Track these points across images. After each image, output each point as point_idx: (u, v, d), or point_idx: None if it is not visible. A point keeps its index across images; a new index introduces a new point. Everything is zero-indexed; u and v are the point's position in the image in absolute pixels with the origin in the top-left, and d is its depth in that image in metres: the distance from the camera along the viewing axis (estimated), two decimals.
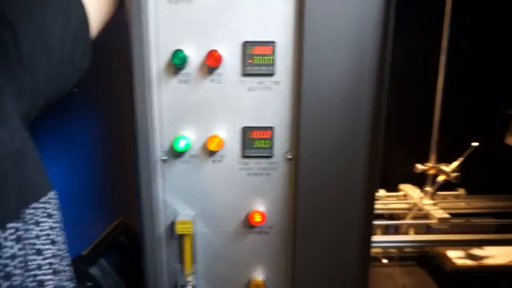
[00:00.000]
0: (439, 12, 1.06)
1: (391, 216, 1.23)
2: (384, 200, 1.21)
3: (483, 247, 1.15)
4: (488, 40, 1.30)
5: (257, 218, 0.71)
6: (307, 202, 0.70)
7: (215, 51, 0.64)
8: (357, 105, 0.66)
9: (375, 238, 0.98)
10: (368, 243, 0.74)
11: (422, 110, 1.17)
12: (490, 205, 1.20)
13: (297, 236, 0.72)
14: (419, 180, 1.21)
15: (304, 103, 0.66)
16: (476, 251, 1.13)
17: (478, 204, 1.20)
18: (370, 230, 0.75)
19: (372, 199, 0.73)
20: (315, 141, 0.68)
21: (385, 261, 1.27)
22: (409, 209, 1.17)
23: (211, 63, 0.64)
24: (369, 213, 0.73)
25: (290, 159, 0.70)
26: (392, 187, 1.28)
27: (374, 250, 1.18)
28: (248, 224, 0.72)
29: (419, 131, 1.19)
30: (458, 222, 1.05)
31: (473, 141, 1.06)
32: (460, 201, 1.20)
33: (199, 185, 0.71)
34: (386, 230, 1.21)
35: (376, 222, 1.08)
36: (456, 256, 1.11)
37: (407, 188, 1.24)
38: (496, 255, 1.11)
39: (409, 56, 1.35)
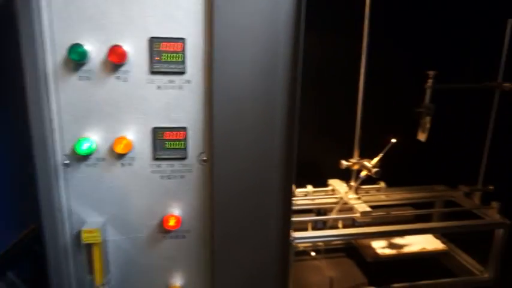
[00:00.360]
0: (360, 12, 1.10)
1: (319, 211, 1.26)
2: (312, 196, 1.23)
3: (403, 236, 1.23)
4: (405, 40, 1.38)
5: (172, 223, 0.68)
6: (224, 204, 0.69)
7: (119, 46, 0.59)
8: (270, 104, 0.66)
9: (301, 234, 1.00)
10: (287, 240, 0.75)
11: (349, 107, 1.22)
12: (407, 196, 1.28)
13: (215, 239, 0.71)
14: (349, 175, 1.27)
15: (216, 102, 0.64)
16: (397, 240, 1.20)
17: (396, 196, 1.27)
18: (289, 228, 0.75)
19: (289, 197, 0.73)
20: (230, 141, 0.66)
21: (313, 254, 1.30)
22: (337, 203, 1.21)
23: (115, 60, 0.59)
24: (287, 211, 0.73)
25: (205, 160, 0.68)
26: (325, 182, 1.32)
27: (302, 244, 1.20)
28: (163, 229, 0.69)
29: (347, 127, 1.23)
30: (379, 214, 1.10)
31: (392, 138, 1.12)
32: (380, 194, 1.27)
33: (108, 190, 0.66)
34: (315, 224, 1.24)
35: (302, 218, 1.10)
36: (379, 246, 1.17)
37: (335, 183, 1.28)
38: (415, 242, 1.19)
39: (334, 54, 1.39)
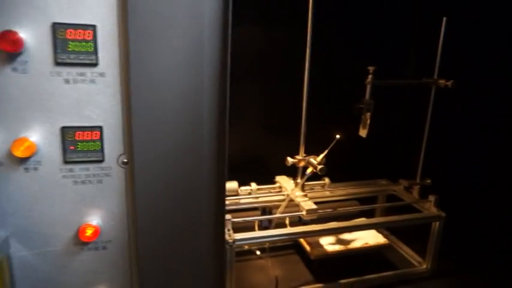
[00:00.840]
0: (305, 5, 1.08)
1: (264, 209, 1.23)
2: (256, 194, 1.20)
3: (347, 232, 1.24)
4: (349, 36, 1.38)
5: (89, 233, 0.61)
6: (149, 210, 0.62)
7: (12, 32, 0.51)
8: (197, 100, 0.60)
9: (242, 235, 0.96)
10: (221, 246, 0.70)
11: (294, 102, 1.19)
12: (351, 192, 1.29)
13: (139, 249, 0.64)
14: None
15: (135, 98, 0.57)
16: (342, 235, 1.21)
17: (341, 192, 1.28)
18: (223, 233, 0.71)
19: (222, 199, 0.68)
20: (153, 141, 0.60)
21: (258, 253, 1.28)
22: (283, 201, 1.19)
23: (7, 48, 0.50)
24: (220, 215, 0.68)
25: (125, 163, 0.61)
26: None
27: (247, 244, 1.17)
28: (79, 241, 0.61)
29: (294, 123, 1.21)
30: (324, 212, 1.09)
31: (337, 134, 1.11)
32: (325, 190, 1.26)
33: (10, 199, 0.58)
34: (261, 223, 1.21)
35: (246, 218, 1.06)
36: (325, 242, 1.16)
37: (282, 180, 1.26)
38: (359, 236, 1.20)
39: (277, 48, 1.36)
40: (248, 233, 0.96)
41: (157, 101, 0.58)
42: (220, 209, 0.68)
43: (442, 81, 1.09)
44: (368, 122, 1.04)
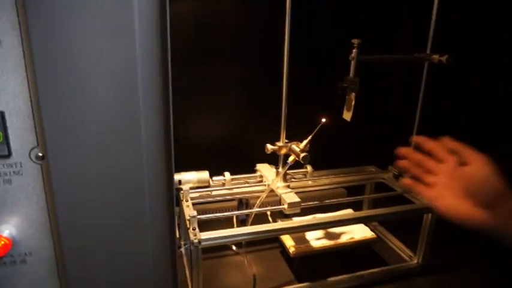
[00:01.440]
0: None
1: (240, 201, 1.12)
2: (230, 184, 1.08)
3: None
4: (328, 15, 1.25)
5: None
6: (74, 212, 0.51)
7: None
8: (129, 77, 0.47)
9: (208, 235, 0.84)
10: (172, 250, 0.59)
11: (273, 84, 1.07)
12: (337, 181, 1.18)
13: (66, 260, 0.52)
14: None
15: (43, 74, 0.44)
16: (332, 229, 1.10)
17: (325, 181, 1.17)
18: (173, 237, 0.59)
19: (170, 197, 0.56)
20: (75, 129, 0.47)
21: (234, 248, 1.17)
22: (262, 192, 1.08)
23: None
24: (169, 216, 0.57)
25: (40, 157, 0.48)
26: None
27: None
28: None
29: (274, 106, 1.10)
30: (307, 205, 0.98)
31: (323, 117, 0.99)
32: (309, 179, 1.15)
33: None
34: (238, 216, 1.10)
35: (216, 214, 0.95)
36: (313, 237, 1.06)
37: (263, 168, 1.14)
38: (345, 229, 1.10)
39: (260, 24, 1.23)
40: (216, 232, 0.85)
41: (75, 75, 0.45)
42: (168, 210, 0.56)
43: (435, 56, 0.97)
44: (353, 103, 0.91)
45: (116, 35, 0.45)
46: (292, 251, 1.00)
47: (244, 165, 1.17)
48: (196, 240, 0.82)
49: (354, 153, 1.43)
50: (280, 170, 1.05)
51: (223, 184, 1.09)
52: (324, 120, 0.96)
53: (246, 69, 1.33)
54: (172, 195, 0.56)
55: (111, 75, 0.47)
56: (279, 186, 1.03)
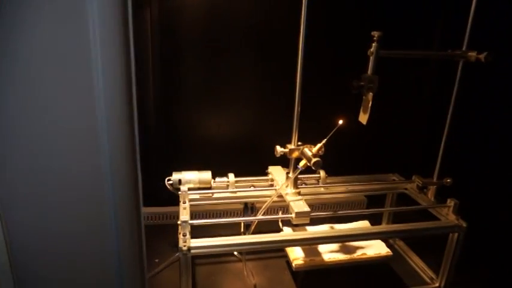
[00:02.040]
0: None
1: (246, 205, 1.04)
2: (234, 187, 1.00)
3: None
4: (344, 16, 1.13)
5: None
6: (23, 220, 0.45)
7: None
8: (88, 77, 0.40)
9: (199, 242, 0.77)
10: (139, 268, 0.52)
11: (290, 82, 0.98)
12: (352, 189, 1.07)
13: (17, 272, 0.47)
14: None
15: None
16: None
17: (338, 189, 1.06)
18: (141, 255, 0.52)
19: (137, 209, 0.49)
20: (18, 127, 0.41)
21: (236, 253, 1.09)
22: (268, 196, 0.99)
23: None
24: (137, 229, 0.50)
25: None
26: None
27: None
28: None
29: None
30: (317, 215, 0.88)
31: (340, 119, 0.89)
32: (320, 186, 1.05)
33: None
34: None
35: (207, 221, 0.88)
36: (327, 249, 0.96)
37: (275, 171, 1.05)
38: (366, 244, 0.99)
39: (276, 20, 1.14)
40: (209, 240, 0.78)
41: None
42: (135, 218, 0.49)
43: (472, 54, 0.84)
44: (369, 104, 0.81)
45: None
46: (296, 265, 0.91)
47: (257, 167, 1.10)
48: (185, 248, 0.75)
49: (374, 160, 1.32)
50: (290, 174, 0.95)
51: (227, 186, 1.01)
52: (340, 122, 0.85)
53: (258, 65, 1.25)
54: (139, 205, 0.49)
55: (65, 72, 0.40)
56: (288, 193, 0.94)
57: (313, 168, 0.86)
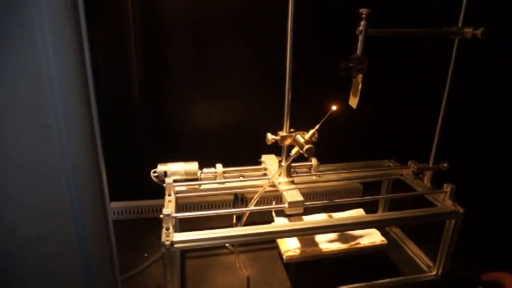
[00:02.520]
0: None
1: (236, 196, 1.00)
2: (221, 178, 0.96)
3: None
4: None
5: None
6: None
7: None
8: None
9: (183, 236, 0.74)
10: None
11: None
12: (345, 176, 1.03)
13: None
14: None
15: None
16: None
17: (331, 176, 1.02)
18: (112, 248, 0.48)
19: (103, 206, 0.45)
20: None
21: (227, 245, 1.06)
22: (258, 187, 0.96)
23: None
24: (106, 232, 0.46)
25: None
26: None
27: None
28: None
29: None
30: (312, 204, 0.85)
31: (334, 104, 0.84)
32: (311, 174, 1.01)
33: None
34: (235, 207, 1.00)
35: (192, 213, 0.84)
36: (325, 238, 0.93)
37: (268, 160, 1.01)
38: (362, 233, 0.96)
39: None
40: (192, 234, 0.74)
41: None
42: (102, 215, 0.46)
43: (468, 30, 0.79)
44: (359, 87, 0.76)
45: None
46: (286, 257, 0.88)
47: (250, 157, 1.06)
48: (168, 242, 0.71)
49: (369, 146, 1.28)
50: (283, 163, 0.91)
51: (215, 177, 0.97)
52: (334, 108, 0.81)
53: (247, 51, 1.20)
54: (106, 200, 0.46)
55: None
56: (281, 182, 0.90)
57: (306, 155, 0.82)
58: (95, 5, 1.04)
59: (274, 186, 0.91)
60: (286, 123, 0.89)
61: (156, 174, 0.94)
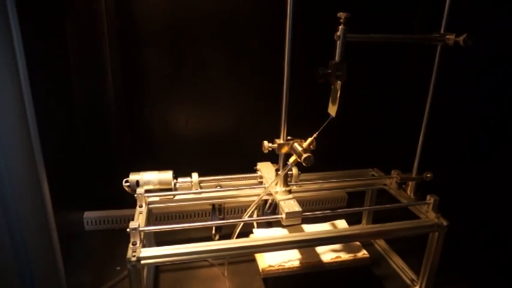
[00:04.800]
0: None
1: (213, 206, 0.96)
2: (197, 187, 0.91)
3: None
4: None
5: None
6: None
7: None
8: None
9: (149, 251, 0.69)
10: None
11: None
12: (325, 187, 0.99)
13: None
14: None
15: None
16: None
17: (312, 186, 0.99)
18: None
19: (46, 218, 0.41)
20: None
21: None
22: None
23: None
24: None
25: None
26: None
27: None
28: None
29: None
30: (307, 215, 0.80)
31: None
32: (292, 184, 0.97)
33: None
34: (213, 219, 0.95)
35: (163, 227, 0.79)
36: (298, 254, 0.89)
37: (264, 168, 0.96)
38: (340, 247, 0.92)
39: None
40: (162, 249, 0.70)
41: None
42: (44, 227, 0.41)
43: (450, 37, 0.76)
44: (338, 94, 0.73)
45: None
46: (263, 271, 0.84)
47: (233, 165, 1.02)
48: (134, 259, 0.67)
49: (353, 154, 1.25)
50: (280, 172, 0.86)
51: (191, 187, 0.93)
52: (333, 115, 0.77)
53: (230, 54, 1.16)
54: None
55: None
56: (278, 191, 0.85)
57: (304, 164, 0.77)
58: (66, 8, 1.00)
59: (270, 194, 0.87)
60: (284, 130, 0.84)
61: (128, 183, 0.89)
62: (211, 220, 0.98)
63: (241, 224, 0.87)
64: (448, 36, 0.77)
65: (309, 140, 0.79)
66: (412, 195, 0.93)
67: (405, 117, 1.24)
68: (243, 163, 0.98)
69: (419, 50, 1.11)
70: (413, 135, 0.93)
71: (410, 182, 0.92)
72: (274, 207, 0.91)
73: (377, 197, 1.09)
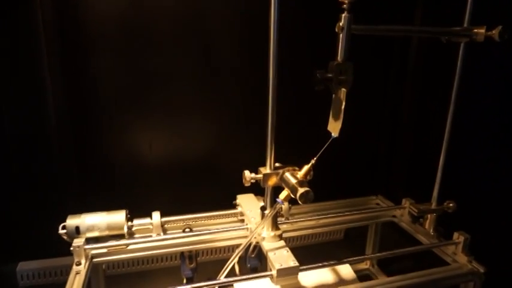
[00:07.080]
0: None
1: (183, 254, 0.75)
2: (159, 231, 0.70)
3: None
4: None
5: None
6: None
7: None
8: None
9: None
10: None
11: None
12: (322, 223, 0.80)
13: None
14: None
15: None
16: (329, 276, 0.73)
17: (305, 223, 0.79)
18: None
19: None
20: None
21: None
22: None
23: None
24: None
25: None
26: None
27: None
28: None
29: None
30: (304, 268, 0.60)
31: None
32: (282, 222, 0.77)
33: None
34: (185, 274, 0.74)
35: None
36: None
37: (245, 201, 0.76)
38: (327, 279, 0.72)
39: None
40: None
41: None
42: None
43: (479, 31, 0.60)
44: (343, 106, 0.54)
45: None
46: None
47: (206, 198, 0.81)
48: None
49: (352, 179, 1.07)
50: (267, 212, 0.66)
51: (152, 230, 0.71)
52: (335, 135, 0.57)
53: (201, 63, 0.97)
54: None
55: None
56: (266, 237, 0.66)
57: (301, 202, 0.57)
58: None
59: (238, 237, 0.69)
60: (271, 156, 0.63)
61: (65, 230, 0.67)
62: (181, 270, 0.77)
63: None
64: (476, 30, 0.60)
65: (305, 168, 0.59)
66: (431, 230, 0.74)
67: (410, 136, 1.07)
68: (219, 196, 0.78)
69: (422, 48, 0.95)
70: (417, 156, 0.76)
71: (430, 216, 0.74)
72: (260, 250, 0.71)
73: (382, 228, 0.91)
